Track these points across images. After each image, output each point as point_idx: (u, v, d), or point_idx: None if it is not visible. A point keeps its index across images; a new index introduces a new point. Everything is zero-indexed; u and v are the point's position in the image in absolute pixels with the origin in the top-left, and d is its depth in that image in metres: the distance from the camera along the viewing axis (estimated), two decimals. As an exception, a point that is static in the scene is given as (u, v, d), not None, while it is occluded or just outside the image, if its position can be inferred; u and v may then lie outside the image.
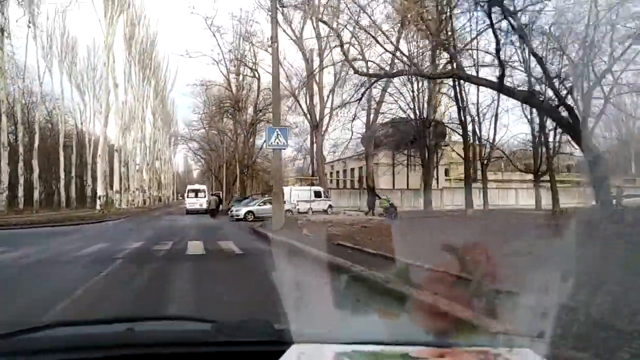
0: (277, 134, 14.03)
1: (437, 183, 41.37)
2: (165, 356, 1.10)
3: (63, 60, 47.14)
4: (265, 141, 42.61)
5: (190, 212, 33.16)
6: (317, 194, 28.18)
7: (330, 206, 29.12)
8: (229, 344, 1.12)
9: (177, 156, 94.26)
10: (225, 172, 43.66)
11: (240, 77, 37.98)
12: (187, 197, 34.14)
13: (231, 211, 24.61)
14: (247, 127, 35.53)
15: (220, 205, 33.74)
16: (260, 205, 24.25)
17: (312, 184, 29.76)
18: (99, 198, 31.27)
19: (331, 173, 53.55)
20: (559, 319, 2.03)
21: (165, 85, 60.05)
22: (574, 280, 2.04)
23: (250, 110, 37.26)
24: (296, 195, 26.61)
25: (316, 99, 30.83)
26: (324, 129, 30.89)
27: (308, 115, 30.71)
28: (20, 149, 37.42)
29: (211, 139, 50.29)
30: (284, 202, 29.36)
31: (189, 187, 36.43)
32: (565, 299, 2.09)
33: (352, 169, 48.39)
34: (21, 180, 37.43)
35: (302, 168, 69.06)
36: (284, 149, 16.06)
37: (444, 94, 31.36)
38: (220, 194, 35.96)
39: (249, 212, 23.75)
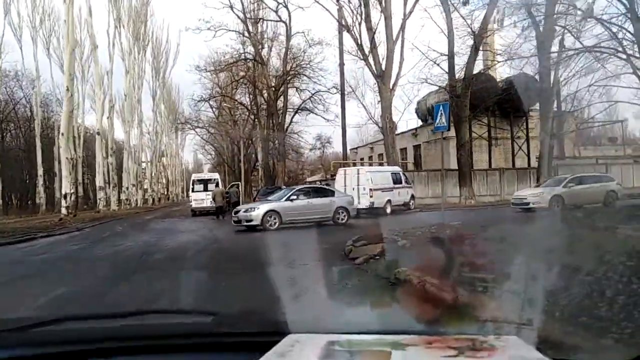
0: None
1: (529, 161, 30.79)
2: (166, 347, 1.09)
3: (37, 29, 37.34)
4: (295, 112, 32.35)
5: (197, 212, 22.76)
6: (397, 179, 17.63)
7: (413, 197, 18.63)
8: (229, 334, 1.12)
9: (185, 152, 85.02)
10: (243, 158, 33.32)
11: (259, 29, 27.47)
12: (193, 190, 23.66)
13: (237, 211, 13.85)
14: (275, 85, 24.98)
15: (239, 202, 23.47)
16: (290, 201, 13.60)
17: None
18: (64, 198, 21.15)
19: (370, 157, 43.18)
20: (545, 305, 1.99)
21: (166, 62, 49.61)
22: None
23: (275, 64, 26.74)
24: (368, 180, 16.06)
25: (381, 37, 20.25)
26: (392, 79, 20.27)
27: (370, 60, 20.06)
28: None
29: (222, 122, 40.03)
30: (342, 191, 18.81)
31: (195, 176, 25.90)
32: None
33: (403, 149, 37.69)
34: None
35: (325, 158, 58.68)
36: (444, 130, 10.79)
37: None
38: (240, 186, 25.60)
39: (270, 213, 12.99)
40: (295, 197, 13.76)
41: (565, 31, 18.05)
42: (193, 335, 1.14)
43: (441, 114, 9.12)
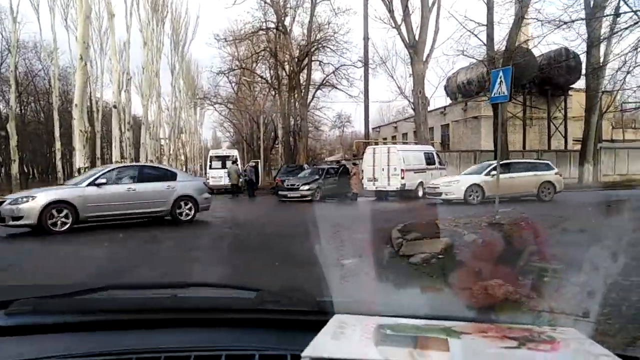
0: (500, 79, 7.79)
1: (566, 143, 28.85)
2: (208, 321, 1.09)
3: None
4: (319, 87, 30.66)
5: (214, 190, 21.73)
6: (430, 159, 16.19)
7: (446, 179, 17.20)
8: (273, 312, 1.11)
9: (204, 129, 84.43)
10: (262, 135, 32.09)
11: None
12: (211, 167, 22.70)
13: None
14: (298, 57, 23.52)
15: (258, 181, 22.49)
16: (96, 186, 9.17)
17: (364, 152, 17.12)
18: (78, 172, 20.29)
19: (394, 137, 41.49)
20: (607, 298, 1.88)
21: (185, 35, 48.11)
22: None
23: (298, 36, 25.17)
24: (400, 160, 14.68)
25: (415, 3, 18.60)
26: (426, 51, 18.63)
27: (402, 29, 18.41)
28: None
29: (241, 98, 38.74)
30: (362, 174, 17.43)
31: (212, 152, 24.98)
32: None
33: (430, 128, 35.88)
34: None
35: (344, 137, 56.98)
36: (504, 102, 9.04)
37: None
38: (259, 164, 24.53)
39: (56, 206, 8.68)
40: (105, 180, 9.19)
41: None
42: (236, 311, 1.12)
43: (500, 81, 7.63)
